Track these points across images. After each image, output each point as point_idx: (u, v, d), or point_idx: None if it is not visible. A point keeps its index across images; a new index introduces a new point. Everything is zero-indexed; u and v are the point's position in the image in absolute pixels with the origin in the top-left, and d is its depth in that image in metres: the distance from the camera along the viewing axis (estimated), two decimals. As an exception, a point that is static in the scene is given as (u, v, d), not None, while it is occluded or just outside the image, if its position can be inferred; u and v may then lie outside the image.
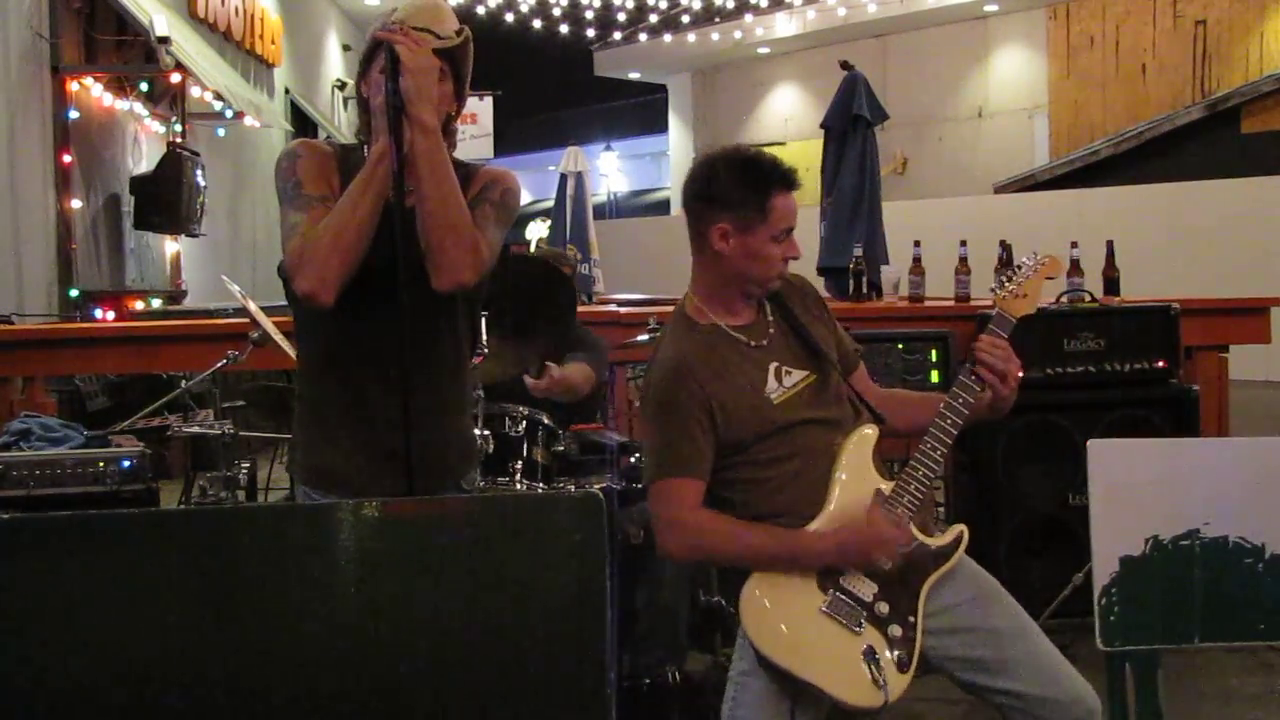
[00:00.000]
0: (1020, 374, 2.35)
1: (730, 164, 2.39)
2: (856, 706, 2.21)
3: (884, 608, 2.27)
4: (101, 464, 3.62)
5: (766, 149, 2.53)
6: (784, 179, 2.38)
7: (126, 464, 3.63)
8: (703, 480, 2.33)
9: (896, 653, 2.25)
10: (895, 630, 2.26)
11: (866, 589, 2.28)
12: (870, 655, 2.22)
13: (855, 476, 2.35)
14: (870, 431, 2.40)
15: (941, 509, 4.45)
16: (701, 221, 2.41)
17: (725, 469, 2.36)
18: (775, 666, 2.22)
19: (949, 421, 2.33)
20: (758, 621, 2.25)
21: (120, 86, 8.80)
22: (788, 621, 2.25)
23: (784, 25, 17.81)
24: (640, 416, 2.46)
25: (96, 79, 8.45)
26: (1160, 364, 4.27)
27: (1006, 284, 2.41)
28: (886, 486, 2.34)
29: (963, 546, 2.35)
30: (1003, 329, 2.36)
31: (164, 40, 7.89)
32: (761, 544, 2.27)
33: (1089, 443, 2.31)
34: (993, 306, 2.42)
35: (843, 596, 2.26)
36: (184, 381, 5.03)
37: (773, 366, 2.38)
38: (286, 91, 13.24)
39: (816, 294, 2.57)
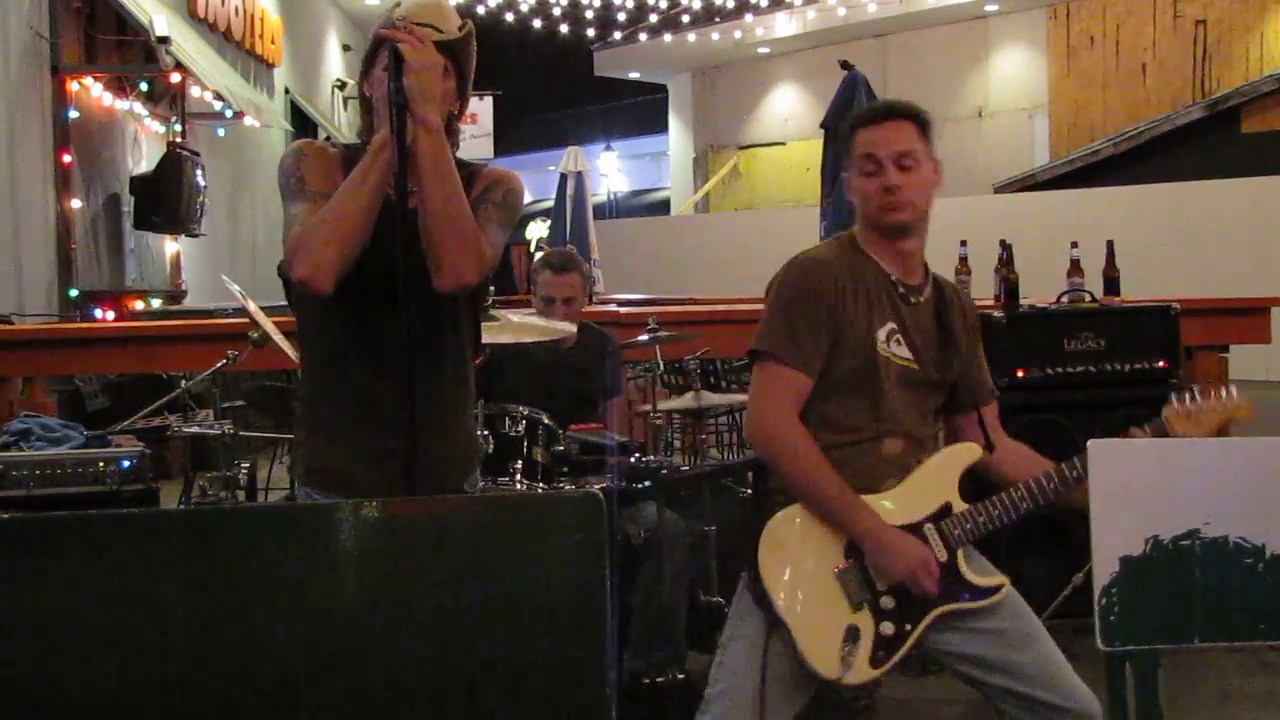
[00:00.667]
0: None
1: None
2: (811, 668, 2.22)
3: (889, 602, 2.27)
4: (101, 464, 3.62)
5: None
6: (869, 113, 2.43)
7: (126, 464, 3.63)
8: (811, 379, 2.31)
9: (877, 648, 2.25)
10: (888, 628, 2.26)
11: (883, 577, 2.28)
12: (851, 635, 2.23)
13: (934, 480, 2.36)
14: (972, 449, 2.42)
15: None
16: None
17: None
18: (763, 593, 2.23)
19: (1051, 484, 2.35)
20: (774, 549, 2.27)
21: (120, 86, 8.80)
22: (799, 563, 2.26)
23: (784, 25, 17.81)
24: (768, 298, 2.40)
25: (96, 79, 8.45)
26: (1160, 364, 4.27)
27: (1188, 399, 2.39)
28: (959, 506, 2.34)
29: (998, 597, 2.32)
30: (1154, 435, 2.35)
31: (164, 40, 7.90)
32: (824, 485, 2.26)
33: (1089, 443, 2.31)
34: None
35: (858, 571, 2.27)
36: (184, 381, 5.03)
37: (889, 326, 2.36)
38: (286, 91, 13.24)
39: (975, 318, 2.56)
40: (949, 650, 2.33)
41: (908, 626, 2.28)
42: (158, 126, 9.63)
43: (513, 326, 3.45)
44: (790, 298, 2.34)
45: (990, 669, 2.29)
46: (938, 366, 2.40)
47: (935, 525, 2.32)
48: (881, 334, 2.34)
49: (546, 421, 3.40)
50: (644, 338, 4.06)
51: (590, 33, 17.50)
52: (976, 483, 2.46)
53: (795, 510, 2.29)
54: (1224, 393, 2.43)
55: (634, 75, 21.29)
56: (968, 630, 2.32)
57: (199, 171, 9.16)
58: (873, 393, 2.34)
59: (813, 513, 2.28)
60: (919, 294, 2.41)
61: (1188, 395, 2.42)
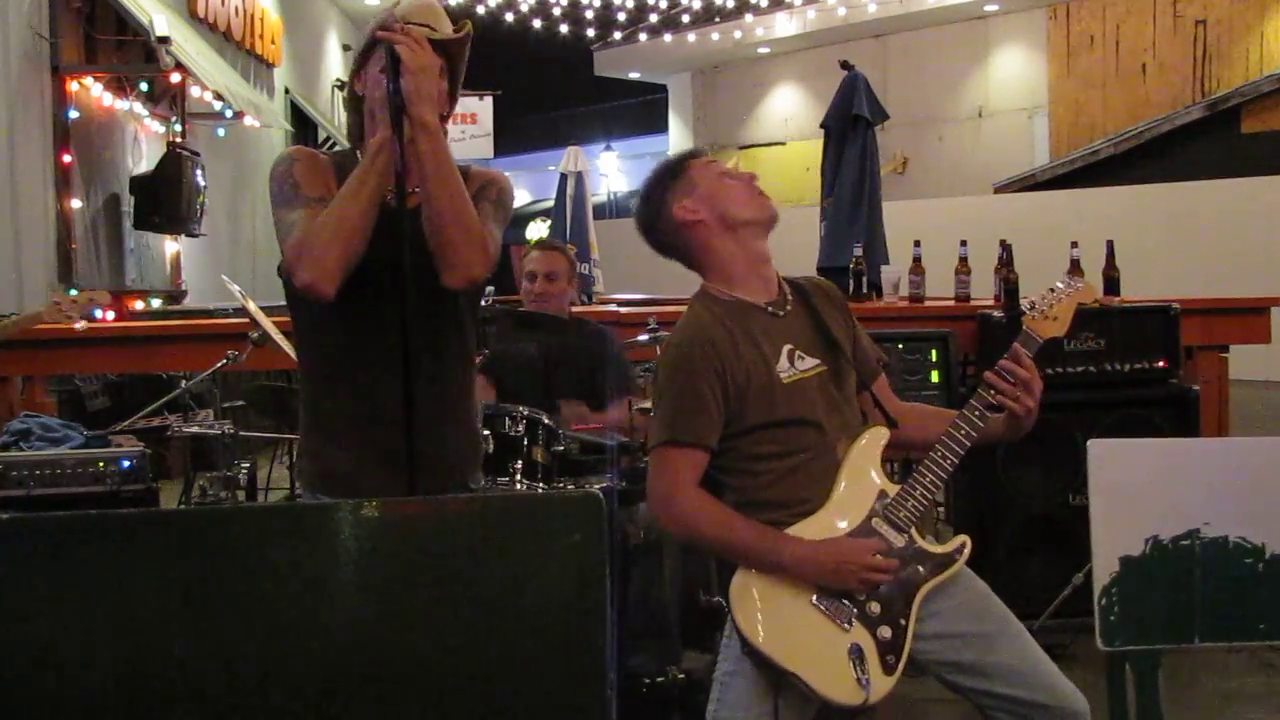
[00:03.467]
0: (1038, 395, 2.33)
1: (645, 182, 2.52)
2: (836, 702, 2.20)
3: (875, 608, 2.26)
4: (101, 464, 3.62)
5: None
6: (688, 153, 2.51)
7: (126, 464, 3.63)
8: (706, 452, 2.32)
9: (884, 655, 2.23)
10: (885, 632, 2.25)
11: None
12: (856, 654, 2.21)
13: (860, 475, 2.35)
14: (881, 432, 2.40)
15: (941, 509, 4.45)
16: (664, 228, 2.45)
17: (722, 454, 2.35)
18: (759, 654, 2.21)
19: (962, 433, 2.33)
20: (746, 607, 2.24)
21: (120, 86, 8.80)
22: (777, 610, 2.24)
23: (784, 25, 17.82)
24: (654, 384, 2.45)
25: (96, 79, 8.45)
26: (1160, 364, 4.27)
27: (1038, 304, 2.40)
28: (891, 489, 2.34)
29: (964, 557, 2.33)
30: (1028, 348, 2.35)
31: (164, 40, 7.90)
32: (745, 539, 2.26)
33: (1089, 443, 2.31)
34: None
35: (834, 591, 2.25)
36: (184, 381, 5.03)
37: (786, 348, 2.37)
38: (286, 91, 13.24)
39: (841, 298, 2.56)
40: (937, 659, 2.31)
41: (902, 621, 2.27)
42: (158, 126, 9.63)
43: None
44: (669, 380, 2.36)
45: (976, 674, 2.27)
46: (836, 356, 2.41)
47: (880, 516, 2.31)
48: (783, 361, 2.35)
49: (546, 421, 3.40)
50: (644, 338, 4.06)
51: (590, 33, 17.49)
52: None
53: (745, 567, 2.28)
54: (1064, 283, 2.44)
55: (634, 75, 21.29)
56: (952, 637, 2.30)
57: (199, 171, 9.16)
58: (802, 417, 2.34)
59: (746, 565, 2.27)
60: (785, 305, 2.43)
61: (1035, 299, 2.42)
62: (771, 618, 2.23)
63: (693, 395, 2.31)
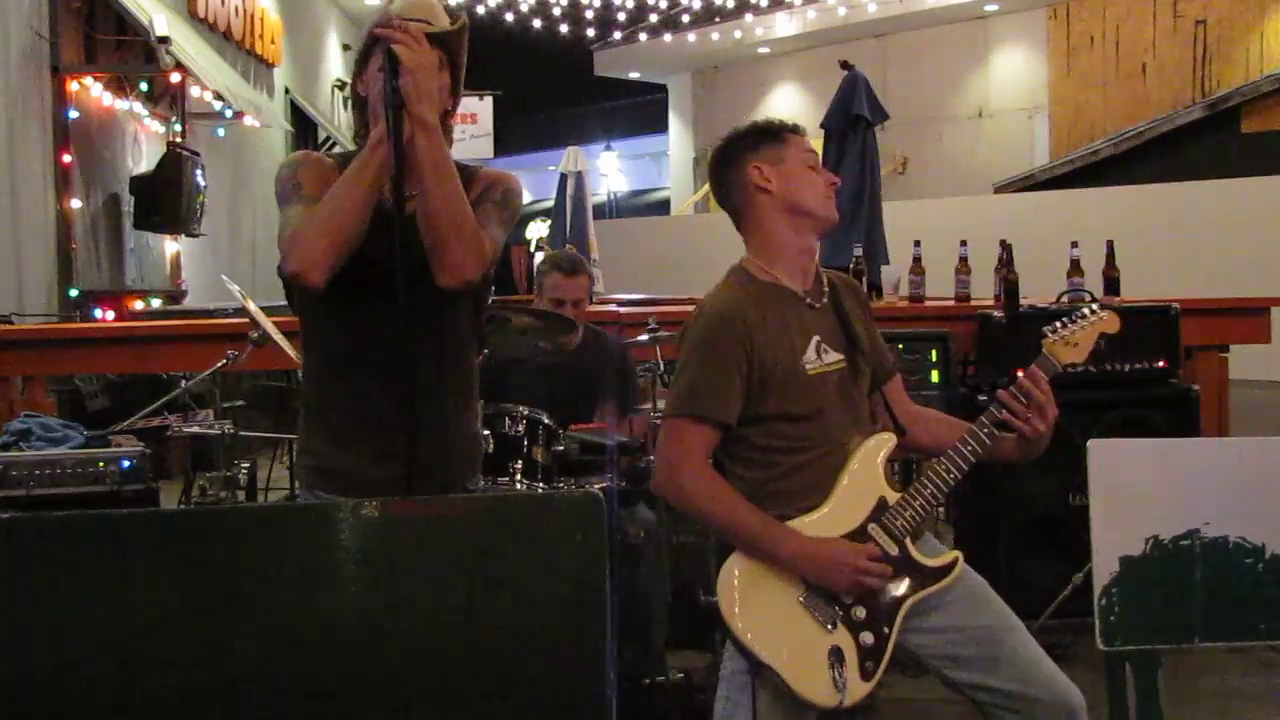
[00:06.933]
0: (1051, 420, 2.34)
1: (740, 128, 2.50)
2: (810, 701, 2.20)
3: (860, 613, 2.26)
4: (101, 464, 3.61)
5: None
6: (790, 126, 2.48)
7: (126, 464, 3.62)
8: (719, 430, 2.32)
9: (864, 660, 2.23)
10: (867, 638, 2.25)
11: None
12: (836, 656, 2.21)
13: (862, 479, 2.35)
14: (887, 439, 2.40)
15: (942, 509, 4.45)
16: (734, 179, 2.43)
17: (734, 442, 2.35)
18: (740, 644, 2.21)
19: (969, 448, 2.33)
20: (732, 596, 2.24)
21: (120, 86, 8.81)
22: (762, 602, 2.24)
23: (784, 25, 17.81)
24: (679, 355, 2.44)
25: (96, 79, 8.46)
26: (1160, 364, 4.27)
27: (1060, 329, 2.41)
28: (892, 496, 2.33)
29: (955, 573, 2.32)
30: (1045, 372, 2.36)
31: (164, 40, 7.90)
32: (744, 522, 2.26)
33: (1089, 443, 2.31)
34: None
35: (821, 592, 2.25)
36: (184, 381, 5.03)
37: (815, 339, 2.37)
38: (286, 91, 13.24)
39: (865, 296, 2.59)
40: (935, 654, 2.32)
41: (885, 629, 2.26)
42: (158, 126, 9.63)
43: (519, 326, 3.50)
44: (695, 350, 2.35)
45: (972, 668, 2.28)
46: (855, 354, 2.42)
47: (877, 523, 2.31)
48: (810, 352, 2.36)
49: (546, 421, 3.40)
50: (644, 338, 4.06)
51: (590, 33, 17.49)
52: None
53: (738, 556, 2.28)
54: (1090, 311, 2.44)
55: (634, 75, 21.28)
56: (949, 630, 2.31)
57: (199, 171, 9.16)
58: (820, 411, 2.34)
59: (743, 550, 2.27)
60: (821, 297, 2.43)
61: (1059, 324, 2.42)
62: (756, 609, 2.23)
63: (717, 369, 2.30)
